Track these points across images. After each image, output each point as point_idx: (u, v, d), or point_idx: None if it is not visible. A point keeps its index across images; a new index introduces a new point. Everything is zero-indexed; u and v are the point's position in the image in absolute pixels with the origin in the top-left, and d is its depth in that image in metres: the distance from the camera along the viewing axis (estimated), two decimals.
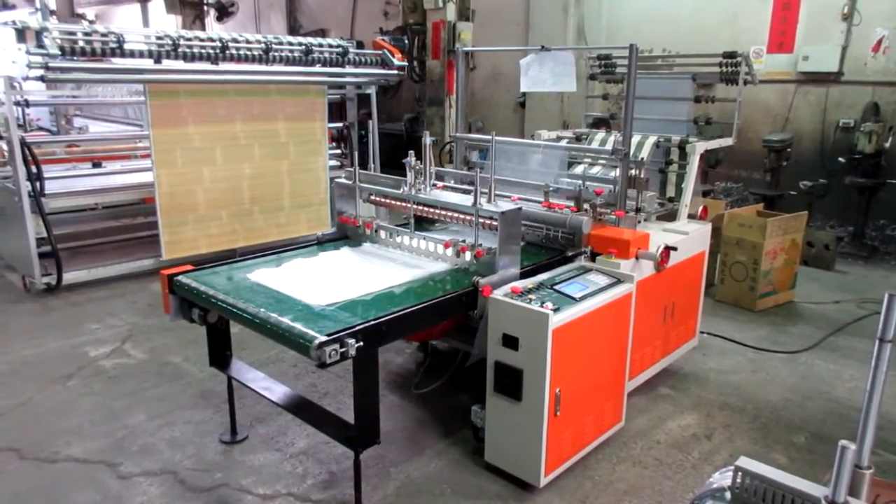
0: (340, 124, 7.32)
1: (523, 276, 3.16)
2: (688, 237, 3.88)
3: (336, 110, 7.70)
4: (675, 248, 3.59)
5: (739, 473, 1.53)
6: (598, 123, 8.04)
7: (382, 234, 3.61)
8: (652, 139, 4.57)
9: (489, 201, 3.13)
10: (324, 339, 2.33)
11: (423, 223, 3.81)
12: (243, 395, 3.53)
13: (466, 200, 3.18)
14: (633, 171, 3.71)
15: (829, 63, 7.64)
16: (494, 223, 3.10)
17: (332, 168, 6.98)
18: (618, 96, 5.95)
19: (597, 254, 3.44)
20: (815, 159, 7.90)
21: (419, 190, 3.36)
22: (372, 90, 7.08)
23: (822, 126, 7.89)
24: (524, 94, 10.65)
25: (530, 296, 2.92)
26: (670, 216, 4.31)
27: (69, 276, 5.55)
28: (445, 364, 3.96)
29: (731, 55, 4.72)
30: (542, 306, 2.81)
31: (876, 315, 5.23)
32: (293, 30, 14.77)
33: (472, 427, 3.26)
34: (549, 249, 3.55)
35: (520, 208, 3.08)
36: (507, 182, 3.98)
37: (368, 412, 2.61)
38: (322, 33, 13.29)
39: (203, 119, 5.74)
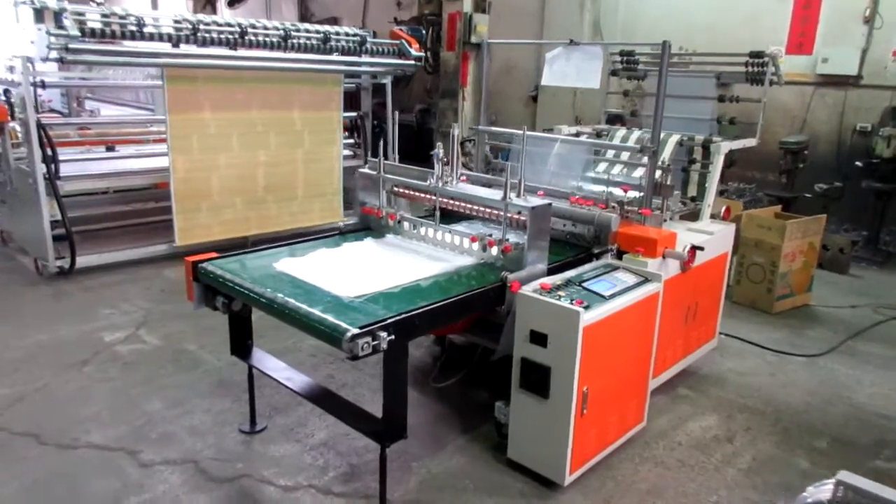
0: (354, 114, 7.26)
1: (550, 272, 3.13)
2: (713, 237, 3.85)
3: (349, 100, 7.66)
4: (701, 248, 3.56)
5: (841, 487, 1.47)
6: (614, 120, 8.03)
7: (406, 225, 3.57)
8: (675, 137, 4.53)
9: (518, 196, 3.09)
10: (356, 331, 2.30)
11: (443, 216, 3.77)
12: (261, 384, 3.51)
13: (494, 194, 3.14)
14: (659, 176, 3.67)
15: (848, 66, 7.58)
16: (522, 218, 3.07)
17: (345, 158, 6.94)
18: (634, 92, 5.91)
19: (623, 252, 3.41)
20: (830, 162, 7.85)
21: (446, 183, 3.32)
22: (388, 80, 7.03)
23: (839, 129, 7.84)
24: (537, 87, 10.61)
25: (559, 292, 2.89)
26: (692, 215, 4.28)
27: (82, 261, 5.52)
28: (462, 358, 3.94)
29: (757, 55, 4.68)
30: (572, 304, 2.78)
31: (893, 321, 5.24)
32: (304, 18, 14.67)
33: (495, 423, 3.23)
34: (573, 246, 3.52)
35: (549, 204, 3.04)
36: (531, 181, 3.94)
37: (397, 406, 2.59)
38: (334, 21, 13.21)
39: (220, 105, 5.70)
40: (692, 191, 4.59)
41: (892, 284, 6.33)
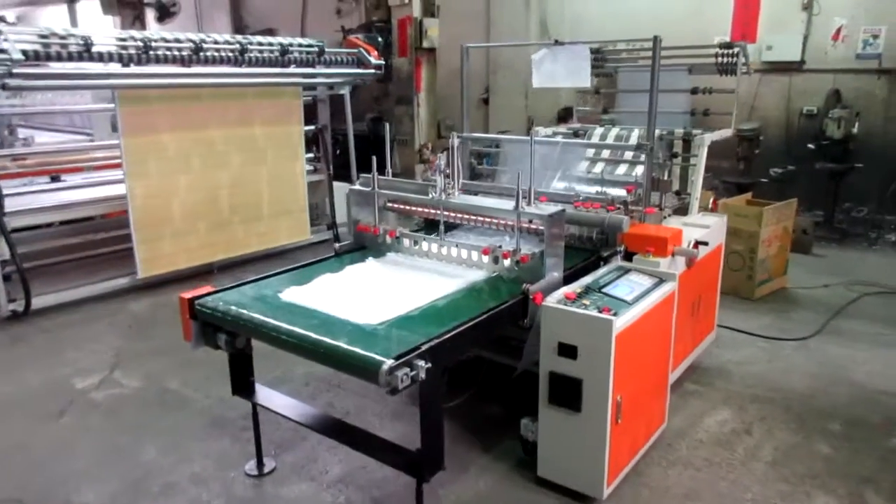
0: (313, 127, 7.03)
1: (565, 280, 3.04)
2: (711, 230, 3.84)
3: (305, 113, 7.42)
4: (706, 243, 3.54)
5: None
6: (566, 117, 8.06)
7: (406, 242, 3.42)
8: (636, 133, 4.54)
9: (529, 203, 2.98)
10: (392, 362, 2.15)
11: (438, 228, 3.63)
12: (260, 420, 3.28)
13: (504, 204, 3.03)
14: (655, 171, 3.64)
15: (791, 52, 7.83)
16: (533, 226, 2.97)
17: (306, 173, 6.71)
18: (592, 93, 5.92)
19: (631, 253, 3.35)
20: (781, 146, 8.09)
21: (450, 195, 3.18)
22: (345, 90, 6.82)
23: (787, 113, 8.09)
24: (487, 90, 10.57)
25: (584, 301, 2.80)
26: (681, 209, 4.28)
27: (38, 301, 5.10)
28: (467, 374, 3.80)
29: (728, 46, 4.72)
30: (600, 312, 2.69)
31: (867, 297, 5.40)
32: (239, 30, 14.23)
33: (521, 441, 3.11)
34: (578, 250, 3.43)
35: (563, 210, 2.95)
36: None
37: (435, 437, 2.43)
38: (270, 33, 12.83)
39: (177, 125, 5.40)
40: (675, 184, 4.59)
41: (854, 261, 6.55)
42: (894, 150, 7.34)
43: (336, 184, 7.34)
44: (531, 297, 2.80)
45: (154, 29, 13.77)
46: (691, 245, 3.48)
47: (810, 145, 7.42)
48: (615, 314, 2.70)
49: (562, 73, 3.84)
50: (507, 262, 3.03)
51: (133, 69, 4.98)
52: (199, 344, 2.87)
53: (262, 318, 2.59)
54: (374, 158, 3.45)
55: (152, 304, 5.43)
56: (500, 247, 3.08)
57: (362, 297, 2.83)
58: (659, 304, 3.01)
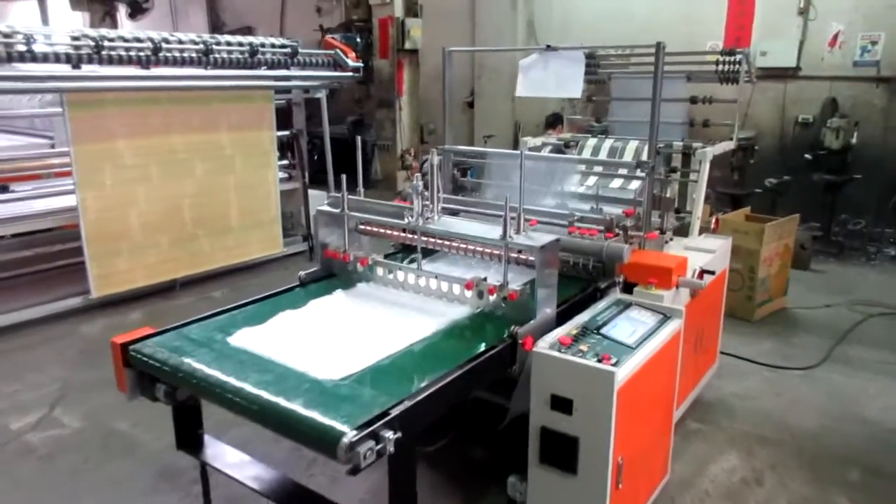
0: (287, 132, 6.61)
1: (559, 316, 2.68)
2: (715, 255, 3.50)
3: (280, 118, 7.00)
4: (712, 273, 3.20)
5: None
6: (554, 123, 7.71)
7: (380, 271, 3.04)
8: (633, 144, 4.22)
9: (518, 231, 2.61)
10: (354, 434, 1.77)
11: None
12: (214, 470, 2.88)
13: (489, 231, 2.65)
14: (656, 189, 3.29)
15: (786, 58, 7.57)
16: (523, 256, 2.61)
17: (280, 181, 6.30)
18: (598, 96, 5.56)
19: (631, 284, 2.99)
20: (775, 156, 7.82)
21: (428, 219, 2.80)
22: (322, 94, 6.42)
23: (782, 122, 7.83)
24: (472, 93, 10.22)
25: (580, 346, 2.44)
26: (681, 229, 3.94)
27: None
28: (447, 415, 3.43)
29: (730, 53, 4.39)
30: (600, 361, 2.33)
31: (872, 319, 5.11)
32: (216, 28, 13.77)
33: (508, 501, 2.74)
34: (572, 279, 3.07)
35: (558, 239, 2.59)
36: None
37: None
38: (248, 31, 12.38)
39: (134, 132, 4.97)
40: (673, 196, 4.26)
41: (854, 277, 6.27)
42: (893, 160, 7.09)
43: (312, 192, 6.95)
44: (520, 341, 2.44)
45: (128, 26, 13.25)
46: (696, 274, 3.14)
47: (807, 155, 7.13)
48: (617, 363, 2.34)
49: (552, 81, 3.48)
50: (493, 298, 2.66)
51: (84, 71, 4.54)
52: (136, 395, 2.47)
53: (205, 370, 2.20)
54: (344, 177, 3.09)
55: (107, 326, 4.99)
56: (486, 280, 2.71)
57: (326, 341, 2.44)
58: (664, 346, 2.65)
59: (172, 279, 5.57)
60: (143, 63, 4.77)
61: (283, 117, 6.98)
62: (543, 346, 2.43)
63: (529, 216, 3.22)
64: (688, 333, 3.26)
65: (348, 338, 2.46)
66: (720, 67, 4.45)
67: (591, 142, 4.53)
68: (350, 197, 3.08)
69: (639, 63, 5.44)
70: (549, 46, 3.46)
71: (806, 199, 7.31)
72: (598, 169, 4.25)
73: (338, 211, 3.07)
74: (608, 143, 4.45)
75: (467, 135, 10.31)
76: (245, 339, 2.45)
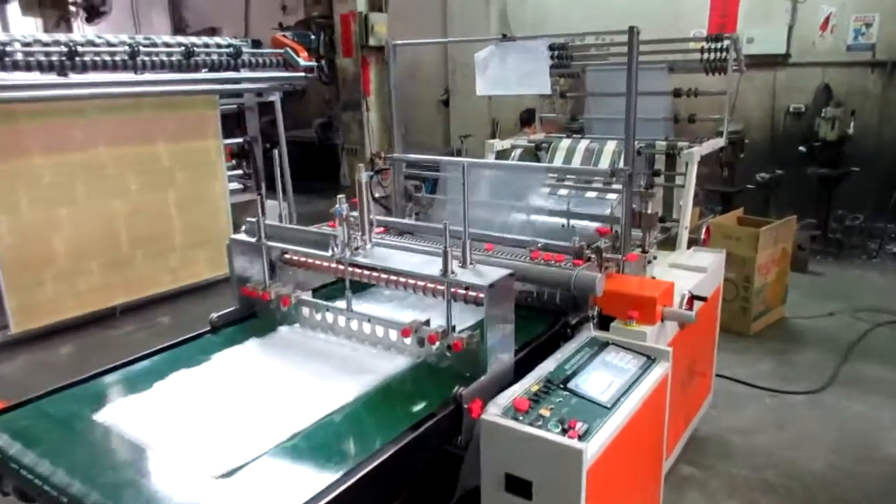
0: (241, 140, 6.09)
1: (520, 365, 2.18)
2: (706, 274, 3.02)
3: (236, 122, 6.48)
4: (703, 299, 2.70)
5: None
6: (528, 120, 7.20)
7: (306, 311, 2.53)
8: (611, 146, 3.73)
9: (464, 264, 2.11)
10: None
11: (356, 285, 2.73)
12: None
13: (427, 265, 2.15)
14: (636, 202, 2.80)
15: (775, 44, 7.11)
16: (472, 293, 2.11)
17: (234, 192, 5.78)
18: (570, 92, 5.07)
19: (607, 317, 2.50)
20: (766, 149, 7.36)
21: (357, 249, 2.30)
22: (276, 97, 5.88)
23: (772, 113, 7.37)
24: (447, 91, 9.70)
25: (541, 409, 1.94)
26: (667, 241, 3.46)
27: None
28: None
29: (716, 39, 3.90)
30: (564, 433, 1.83)
31: (880, 328, 4.64)
32: (179, 30, 13.19)
33: None
34: (538, 313, 2.57)
35: (512, 274, 2.08)
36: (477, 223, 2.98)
37: None
38: (212, 32, 11.79)
39: (53, 147, 4.44)
40: (656, 209, 3.76)
41: (855, 279, 5.83)
42: (891, 151, 6.64)
43: (271, 202, 6.41)
44: (465, 406, 1.93)
45: (86, 31, 12.63)
46: (685, 301, 2.64)
47: (801, 148, 6.67)
48: (587, 433, 1.84)
49: (512, 77, 2.98)
50: (435, 347, 2.16)
51: None
52: None
53: (44, 469, 1.68)
54: (260, 198, 2.59)
55: (29, 364, 4.45)
56: (428, 323, 2.20)
57: (220, 413, 1.93)
58: (649, 398, 2.16)
59: (112, 307, 5.03)
60: (59, 69, 4.22)
61: (240, 123, 6.49)
62: (494, 412, 1.93)
63: (486, 240, 2.76)
64: (677, 370, 2.77)
65: (251, 406, 1.95)
66: (706, 56, 3.97)
67: (565, 143, 4.03)
68: (268, 223, 2.58)
69: (615, 53, 4.96)
70: (504, 36, 2.95)
71: (800, 194, 6.85)
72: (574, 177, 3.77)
73: (254, 240, 2.56)
74: (583, 144, 3.95)
75: (442, 135, 9.82)
76: (115, 413, 1.93)
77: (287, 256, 2.66)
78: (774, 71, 7.25)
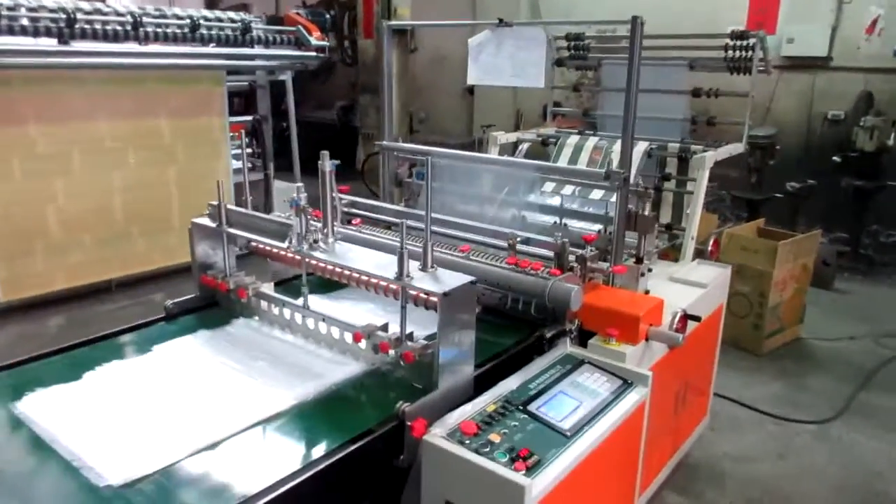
0: (250, 118, 5.97)
1: (486, 378, 1.99)
2: (707, 291, 2.78)
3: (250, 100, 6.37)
4: (697, 319, 2.47)
5: None
6: (554, 115, 6.93)
7: (264, 304, 2.37)
8: (642, 147, 3.47)
9: (425, 268, 1.93)
10: None
11: (327, 282, 2.56)
12: None
13: (385, 266, 1.96)
14: (633, 205, 2.57)
15: (816, 46, 6.71)
16: (433, 299, 1.92)
17: (236, 172, 5.65)
18: (585, 86, 4.81)
19: (588, 332, 2.29)
20: (799, 156, 6.97)
21: (314, 242, 2.13)
22: (287, 76, 5.73)
23: (808, 118, 6.98)
24: None
25: (491, 435, 1.75)
26: (671, 251, 3.23)
27: None
28: None
29: (741, 35, 3.63)
30: (511, 463, 1.64)
31: None
32: (212, 4, 13.15)
33: None
34: (515, 322, 2.37)
35: (473, 282, 1.89)
36: (456, 216, 2.79)
37: None
38: (243, 8, 11.69)
39: (50, 117, 4.35)
40: (665, 215, 3.53)
41: (884, 301, 5.48)
42: None
43: (279, 183, 6.29)
44: (408, 424, 1.76)
45: (126, 3, 12.68)
46: (676, 320, 2.41)
47: (836, 157, 6.30)
48: (536, 466, 1.65)
49: (506, 66, 2.76)
50: (390, 355, 1.98)
51: None
52: None
53: None
54: (266, 178, 2.42)
55: (16, 335, 4.39)
56: (385, 328, 2.02)
57: (141, 412, 1.77)
58: (620, 427, 1.95)
59: (107, 281, 4.97)
60: (60, 36, 4.12)
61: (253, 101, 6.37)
62: (439, 433, 1.75)
63: (459, 229, 2.57)
64: (663, 396, 2.56)
65: (171, 410, 1.79)
66: (730, 54, 3.70)
67: (573, 140, 3.80)
68: (231, 208, 2.42)
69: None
70: (501, 21, 2.73)
71: (832, 206, 6.49)
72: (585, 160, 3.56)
73: (214, 225, 2.41)
74: (592, 141, 3.72)
75: (466, 124, 9.60)
76: (36, 404, 1.80)
77: (253, 244, 2.50)
78: (814, 74, 6.86)
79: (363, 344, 2.04)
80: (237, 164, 5.76)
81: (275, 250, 2.39)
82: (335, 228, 2.20)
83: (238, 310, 2.44)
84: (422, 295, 1.88)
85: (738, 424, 3.51)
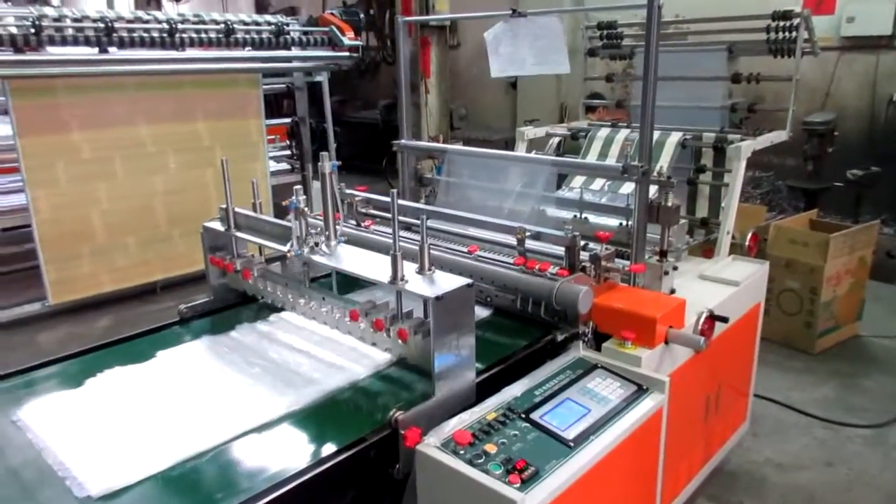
0: (288, 119, 6.04)
1: (481, 388, 1.91)
2: (740, 289, 2.61)
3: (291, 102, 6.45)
4: (724, 320, 2.31)
5: None
6: (594, 107, 6.73)
7: (269, 286, 2.37)
8: (675, 137, 3.31)
9: (422, 270, 1.86)
10: None
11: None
12: None
13: (380, 269, 1.90)
14: (655, 197, 2.43)
15: (880, 24, 6.29)
16: None
17: (276, 174, 5.74)
18: (619, 76, 4.63)
19: (603, 335, 2.18)
20: (862, 142, 6.57)
21: (316, 247, 2.09)
22: (323, 77, 5.76)
23: (872, 102, 6.55)
24: None
25: (487, 445, 1.67)
26: (705, 245, 3.06)
27: None
28: None
29: (783, 16, 3.40)
30: (507, 473, 1.56)
31: None
32: (262, 7, 13.45)
33: None
34: (528, 325, 2.28)
35: (470, 285, 1.81)
36: (476, 211, 2.72)
37: None
38: (292, 11, 11.92)
39: (93, 122, 4.49)
40: (701, 209, 3.35)
41: None
42: None
43: (317, 184, 6.36)
44: (402, 432, 1.70)
45: (180, 9, 13.08)
46: (701, 321, 2.26)
47: None
48: (533, 478, 1.56)
49: (527, 56, 2.66)
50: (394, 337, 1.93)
51: (29, 55, 4.07)
52: None
53: None
54: (303, 179, 2.43)
55: (67, 335, 4.58)
56: (380, 307, 1.99)
57: (132, 421, 1.76)
58: (631, 436, 1.84)
59: (151, 283, 5.12)
60: (97, 44, 4.25)
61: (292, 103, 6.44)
62: (433, 442, 1.68)
63: (483, 232, 2.50)
64: (691, 401, 2.42)
65: (162, 419, 1.77)
66: (772, 35, 3.48)
67: (603, 132, 3.66)
68: (239, 211, 2.43)
69: (672, 33, 4.51)
70: (515, 11, 2.63)
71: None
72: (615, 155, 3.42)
73: (223, 229, 2.41)
74: (623, 134, 3.57)
75: (509, 119, 9.47)
76: (36, 411, 1.83)
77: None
78: (877, 54, 6.43)
79: (362, 323, 2.01)
80: (276, 167, 5.85)
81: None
82: (339, 230, 2.16)
83: (246, 290, 2.45)
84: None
85: (784, 429, 3.31)
